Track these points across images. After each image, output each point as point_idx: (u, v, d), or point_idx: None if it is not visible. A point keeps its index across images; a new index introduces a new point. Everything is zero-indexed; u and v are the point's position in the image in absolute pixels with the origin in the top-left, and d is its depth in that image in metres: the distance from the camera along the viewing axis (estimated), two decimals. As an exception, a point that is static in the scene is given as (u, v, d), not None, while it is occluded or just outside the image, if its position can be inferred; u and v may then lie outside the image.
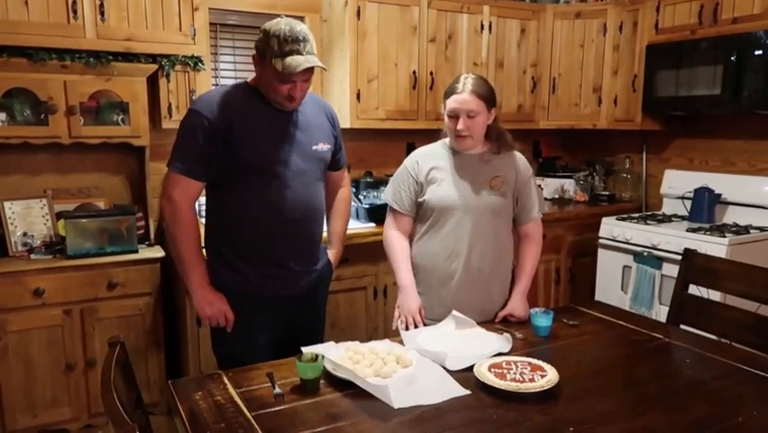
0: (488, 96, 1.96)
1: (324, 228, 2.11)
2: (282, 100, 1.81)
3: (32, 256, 2.55)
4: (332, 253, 2.14)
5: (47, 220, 2.71)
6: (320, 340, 2.04)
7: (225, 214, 1.87)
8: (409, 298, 2.00)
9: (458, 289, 2.01)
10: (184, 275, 1.86)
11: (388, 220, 2.13)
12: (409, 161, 2.11)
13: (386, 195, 2.17)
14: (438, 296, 2.04)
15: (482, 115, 1.95)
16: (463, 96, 1.92)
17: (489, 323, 1.97)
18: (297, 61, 1.73)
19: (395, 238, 2.09)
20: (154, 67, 2.74)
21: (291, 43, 1.72)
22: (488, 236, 2.01)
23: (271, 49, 1.73)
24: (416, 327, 1.95)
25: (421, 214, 2.08)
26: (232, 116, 1.78)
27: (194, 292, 1.86)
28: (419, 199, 2.05)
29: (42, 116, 2.59)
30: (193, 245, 1.83)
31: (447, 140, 2.08)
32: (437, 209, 2.02)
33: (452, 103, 1.95)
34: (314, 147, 1.92)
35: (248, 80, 1.91)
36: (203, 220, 1.97)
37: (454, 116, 1.95)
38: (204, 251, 1.92)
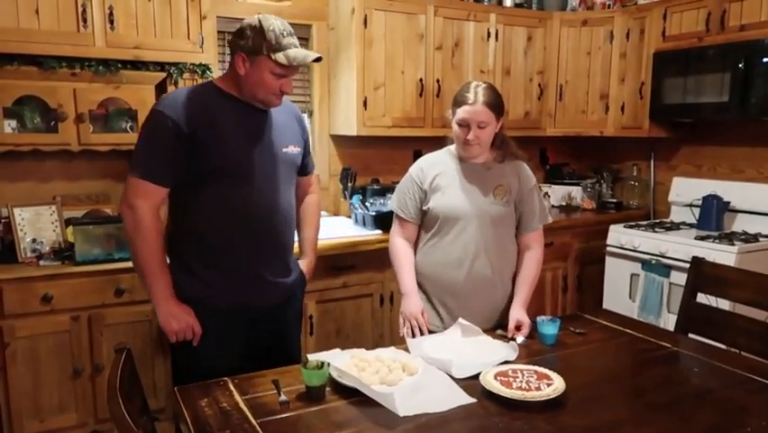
0: (497, 105, 1.96)
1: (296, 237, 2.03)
2: (271, 97, 1.78)
3: (41, 262, 2.56)
4: (304, 263, 2.07)
5: (56, 227, 2.72)
6: (293, 355, 1.95)
7: (191, 218, 1.80)
8: (410, 302, 2.01)
9: (462, 296, 2.01)
10: (147, 288, 1.77)
11: (394, 228, 2.14)
12: (414, 168, 2.12)
13: (392, 203, 2.17)
14: (442, 304, 2.04)
15: (492, 125, 1.96)
16: (475, 108, 1.92)
17: (494, 331, 1.96)
18: (302, 54, 1.74)
19: (400, 246, 2.10)
20: (162, 75, 2.76)
21: (287, 37, 1.73)
22: (491, 245, 2.01)
23: (269, 43, 1.71)
24: (421, 332, 1.95)
25: (425, 222, 2.08)
26: (199, 117, 1.72)
27: (158, 306, 1.76)
28: (424, 207, 2.06)
29: (52, 124, 2.61)
30: (157, 256, 1.75)
31: (452, 147, 2.08)
32: (441, 217, 2.02)
33: (462, 113, 1.94)
34: (284, 150, 1.87)
35: (213, 80, 1.86)
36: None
37: (465, 126, 1.95)
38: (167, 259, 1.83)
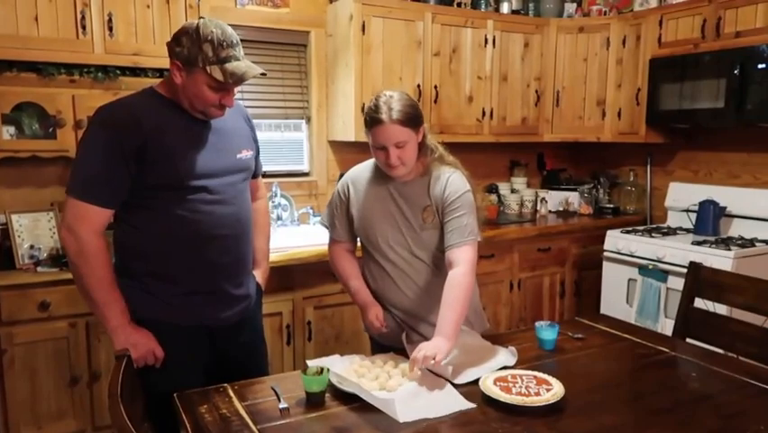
0: (413, 118, 1.76)
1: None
2: (211, 110, 1.66)
3: (39, 269, 2.56)
4: (259, 274, 1.95)
5: (54, 233, 2.72)
6: (261, 367, 1.91)
7: (144, 235, 1.67)
8: (367, 310, 1.90)
9: (417, 316, 1.90)
10: (100, 316, 1.63)
11: (329, 243, 2.03)
12: (341, 184, 1.98)
13: (322, 218, 2.04)
14: (403, 321, 1.94)
15: (412, 141, 1.77)
16: (387, 128, 1.72)
17: (491, 337, 1.97)
18: (242, 69, 1.60)
19: (336, 257, 1.99)
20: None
21: (227, 48, 1.58)
22: (432, 267, 1.87)
23: (205, 55, 1.56)
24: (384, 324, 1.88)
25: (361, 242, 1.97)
26: (144, 129, 1.59)
27: (114, 335, 1.62)
28: (353, 228, 1.96)
29: (51, 130, 2.61)
30: (106, 282, 1.61)
31: None
32: (369, 245, 1.92)
33: (376, 136, 1.76)
34: (238, 156, 1.77)
35: (155, 87, 1.71)
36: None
37: (382, 149, 1.77)
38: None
